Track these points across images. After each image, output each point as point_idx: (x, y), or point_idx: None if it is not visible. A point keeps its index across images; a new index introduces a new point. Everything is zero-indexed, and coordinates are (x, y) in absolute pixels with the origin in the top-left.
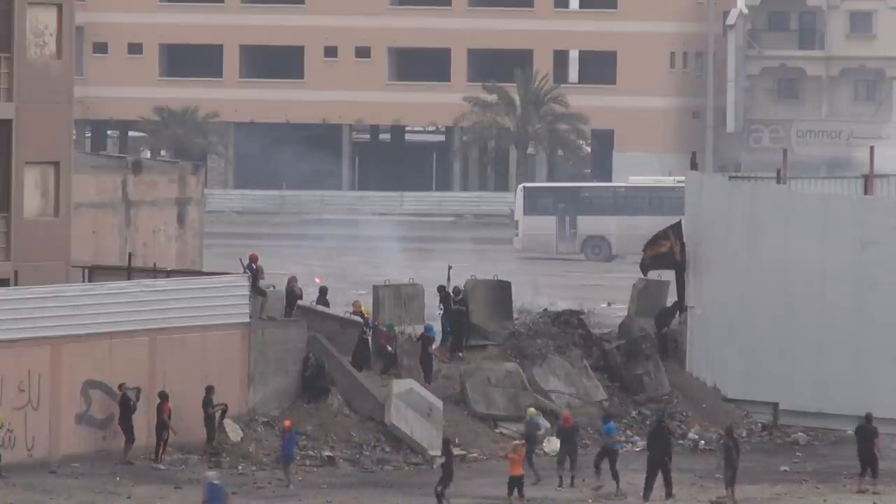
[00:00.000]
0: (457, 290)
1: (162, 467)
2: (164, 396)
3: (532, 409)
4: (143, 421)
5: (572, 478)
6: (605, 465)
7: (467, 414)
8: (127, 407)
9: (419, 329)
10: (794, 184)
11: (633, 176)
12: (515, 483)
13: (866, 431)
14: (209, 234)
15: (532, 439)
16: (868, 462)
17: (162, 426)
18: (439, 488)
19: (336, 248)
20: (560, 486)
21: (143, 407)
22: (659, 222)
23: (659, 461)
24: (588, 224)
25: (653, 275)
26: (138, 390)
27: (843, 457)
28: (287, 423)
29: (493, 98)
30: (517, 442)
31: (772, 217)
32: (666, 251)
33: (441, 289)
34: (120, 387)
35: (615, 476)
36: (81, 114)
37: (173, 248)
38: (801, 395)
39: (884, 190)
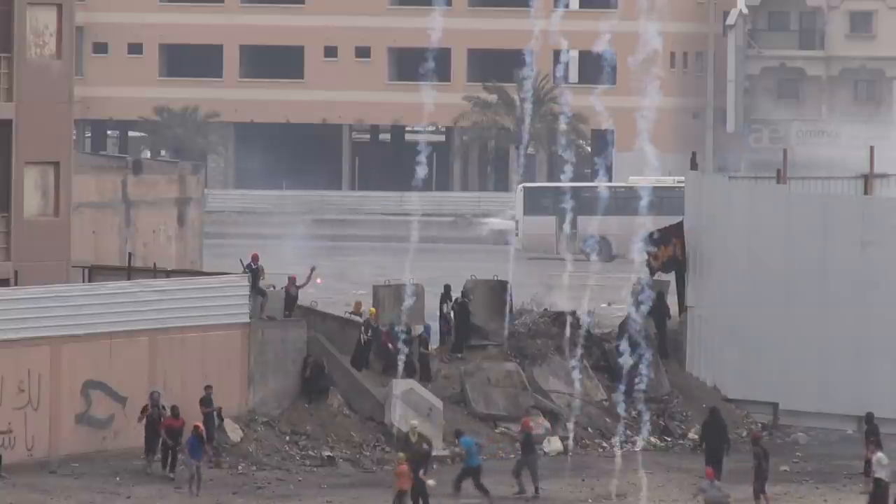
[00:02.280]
0: (465, 293)
1: (171, 476)
2: (172, 412)
3: (413, 422)
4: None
5: (536, 489)
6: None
7: (467, 414)
8: (152, 419)
9: (419, 329)
10: (794, 184)
11: (633, 176)
12: (402, 497)
13: (873, 431)
14: (209, 234)
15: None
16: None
17: (168, 436)
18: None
19: (336, 248)
20: (522, 493)
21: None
22: (659, 222)
23: (717, 450)
24: (588, 224)
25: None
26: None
27: (843, 457)
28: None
29: (493, 98)
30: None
31: (772, 217)
32: (671, 257)
33: (446, 287)
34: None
35: (482, 490)
36: (81, 114)
37: (173, 248)
38: (801, 395)
39: (884, 190)
